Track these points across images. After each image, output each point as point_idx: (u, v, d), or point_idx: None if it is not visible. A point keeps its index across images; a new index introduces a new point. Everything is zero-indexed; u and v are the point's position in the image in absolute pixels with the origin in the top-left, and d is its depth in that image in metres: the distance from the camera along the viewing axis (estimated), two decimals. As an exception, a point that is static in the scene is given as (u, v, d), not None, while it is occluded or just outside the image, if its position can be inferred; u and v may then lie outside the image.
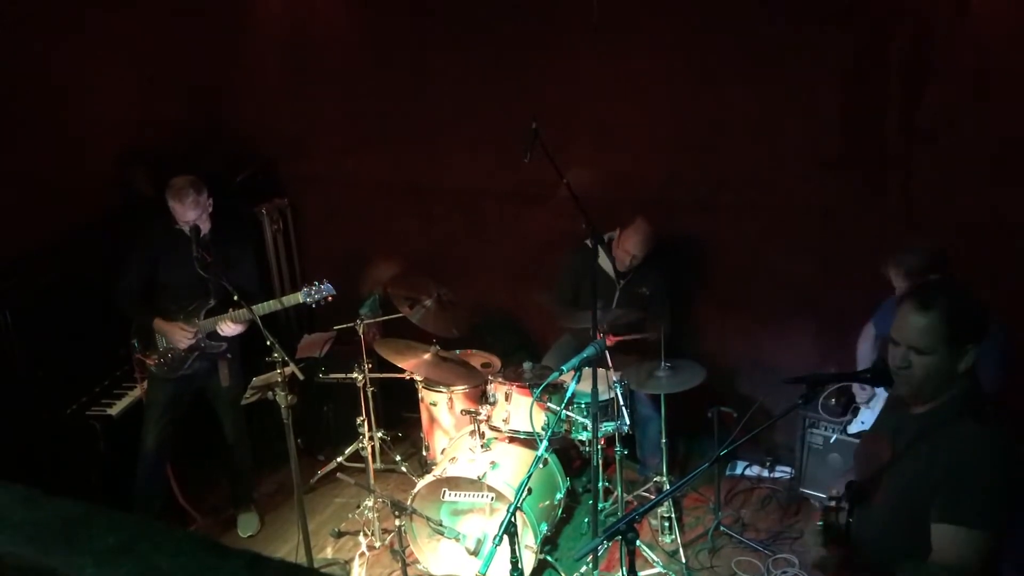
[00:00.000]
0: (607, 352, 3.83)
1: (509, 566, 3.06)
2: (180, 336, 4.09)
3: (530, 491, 3.27)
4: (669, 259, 4.72)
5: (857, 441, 4.22)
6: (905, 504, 2.20)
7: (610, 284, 4.61)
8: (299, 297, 4.07)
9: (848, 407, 4.33)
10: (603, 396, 3.83)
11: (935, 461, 2.15)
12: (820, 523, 2.35)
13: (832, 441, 4.36)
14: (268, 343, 3.63)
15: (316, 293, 4.06)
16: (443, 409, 4.57)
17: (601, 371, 3.70)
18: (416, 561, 4.09)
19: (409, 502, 3.94)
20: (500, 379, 4.27)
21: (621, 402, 4.11)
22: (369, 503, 4.39)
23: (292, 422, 3.72)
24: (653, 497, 4.46)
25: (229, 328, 4.10)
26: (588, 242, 4.66)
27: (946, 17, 4.02)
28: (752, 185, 4.62)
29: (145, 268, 4.15)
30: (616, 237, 4.56)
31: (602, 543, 3.53)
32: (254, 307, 3.93)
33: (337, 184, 5.73)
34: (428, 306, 4.54)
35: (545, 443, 3.20)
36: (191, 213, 4.03)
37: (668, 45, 4.62)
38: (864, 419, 4.22)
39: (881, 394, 4.12)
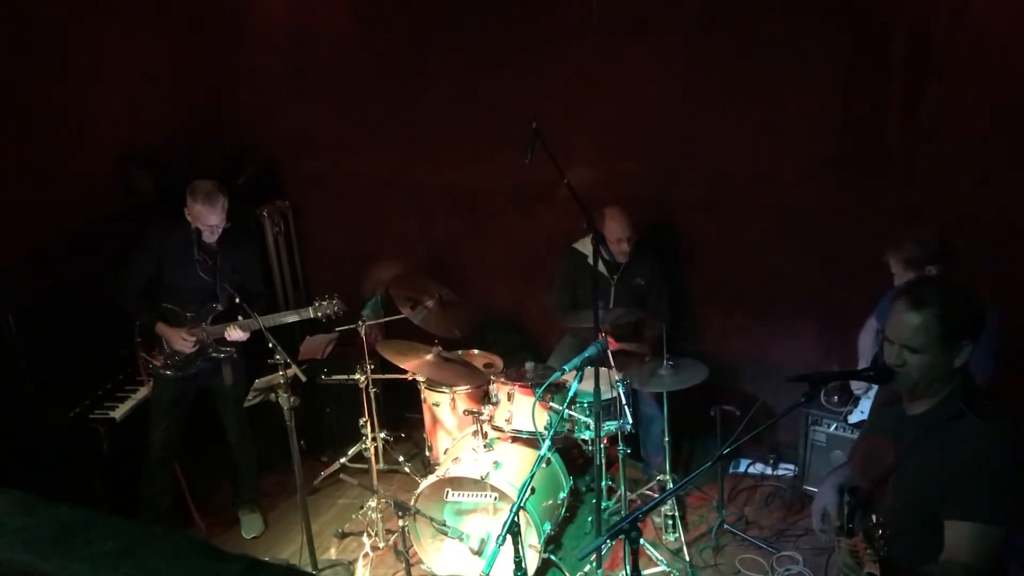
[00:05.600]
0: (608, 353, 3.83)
1: (513, 565, 3.06)
2: (180, 343, 4.10)
3: (533, 490, 3.28)
4: (659, 249, 4.76)
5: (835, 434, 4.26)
6: (917, 504, 2.20)
7: (605, 281, 4.61)
8: (309, 312, 4.20)
9: (847, 398, 4.33)
10: (605, 395, 3.83)
11: (945, 459, 2.15)
12: (870, 552, 2.15)
13: (832, 429, 4.36)
14: (271, 345, 3.63)
15: (328, 308, 4.21)
16: (446, 409, 4.57)
17: (603, 370, 3.70)
18: (420, 561, 4.09)
19: (412, 502, 3.94)
20: (502, 379, 4.27)
21: (623, 401, 4.11)
22: (372, 504, 4.39)
23: (295, 424, 3.72)
24: (656, 495, 4.46)
25: (236, 334, 4.12)
26: (577, 246, 4.68)
27: (946, 15, 4.01)
28: (753, 184, 4.62)
29: (149, 267, 4.13)
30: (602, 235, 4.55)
31: (605, 542, 3.52)
32: (263, 318, 3.95)
33: (338, 185, 5.73)
34: (430, 307, 4.54)
35: (548, 442, 3.20)
36: (217, 217, 4.02)
37: (668, 44, 4.61)
38: (864, 408, 4.22)
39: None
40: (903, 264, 3.52)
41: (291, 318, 4.20)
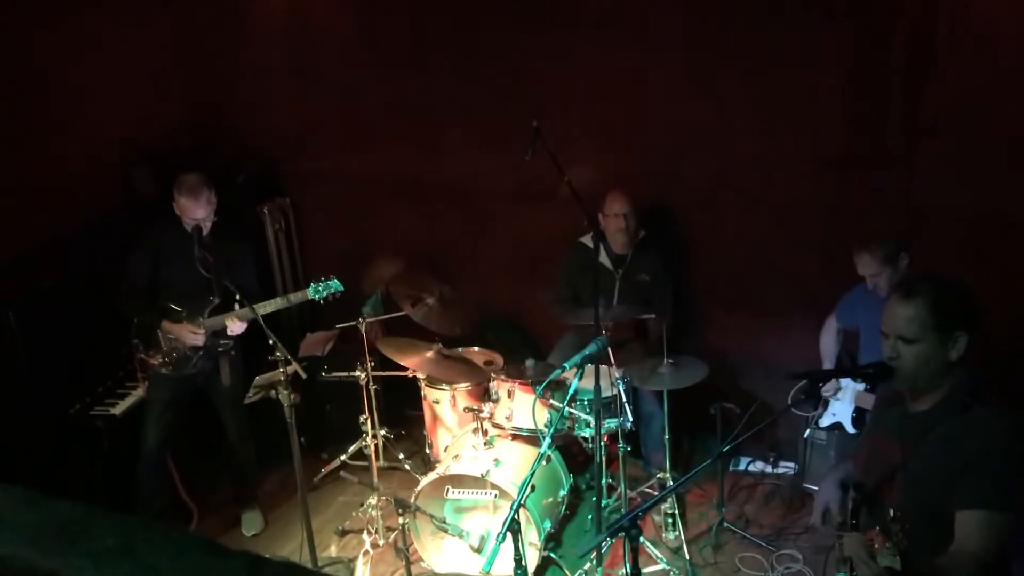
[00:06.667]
0: (610, 347, 3.83)
1: (513, 563, 3.07)
2: (190, 337, 4.08)
3: (533, 488, 3.28)
4: (663, 244, 4.76)
5: (832, 433, 4.25)
6: (927, 500, 2.21)
7: (609, 277, 4.61)
8: (308, 293, 4.14)
9: (817, 401, 4.31)
10: (606, 393, 3.83)
11: (953, 452, 2.17)
12: (889, 546, 2.16)
13: (805, 436, 4.36)
14: (270, 342, 3.63)
15: (324, 289, 4.15)
16: (446, 407, 4.57)
17: (604, 368, 3.69)
18: (420, 559, 4.09)
19: (413, 500, 3.94)
20: (503, 376, 4.27)
21: (624, 399, 4.11)
22: (373, 501, 4.40)
23: (295, 421, 3.73)
24: (656, 493, 4.46)
25: (236, 326, 4.11)
26: (583, 240, 4.67)
27: (946, 14, 4.01)
28: (753, 183, 4.62)
29: (148, 267, 4.13)
30: (601, 219, 4.55)
31: (605, 539, 3.52)
32: (261, 304, 3.93)
33: (339, 183, 5.73)
34: (430, 304, 4.54)
35: (548, 440, 3.20)
36: (203, 211, 4.02)
37: (668, 44, 4.61)
38: (835, 411, 4.19)
39: (847, 385, 4.12)
40: (881, 260, 3.75)
41: (284, 304, 4.13)
